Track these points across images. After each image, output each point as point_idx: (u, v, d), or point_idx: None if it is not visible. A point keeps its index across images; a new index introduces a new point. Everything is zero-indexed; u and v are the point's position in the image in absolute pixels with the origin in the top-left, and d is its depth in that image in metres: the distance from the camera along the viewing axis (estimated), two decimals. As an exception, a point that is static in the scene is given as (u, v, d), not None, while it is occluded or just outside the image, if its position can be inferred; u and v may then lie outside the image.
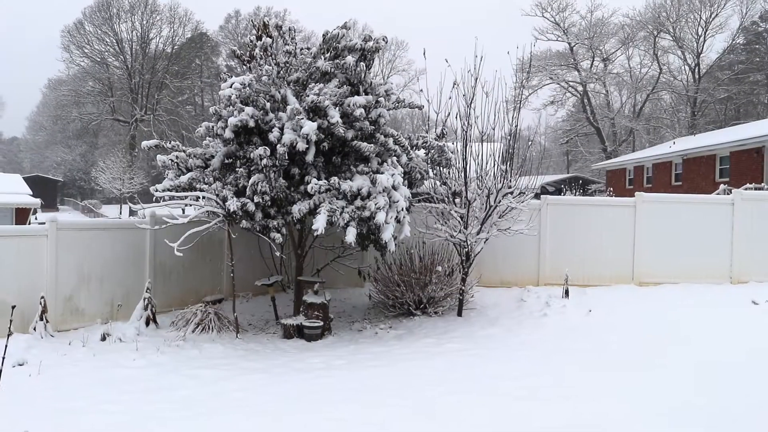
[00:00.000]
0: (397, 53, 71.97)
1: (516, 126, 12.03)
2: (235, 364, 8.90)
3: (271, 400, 7.02)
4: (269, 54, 11.31)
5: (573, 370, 7.95)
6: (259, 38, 11.59)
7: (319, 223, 9.28)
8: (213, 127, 10.41)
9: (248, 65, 11.83)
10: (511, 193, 11.75)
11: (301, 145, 9.65)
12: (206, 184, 10.37)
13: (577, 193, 39.76)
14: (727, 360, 8.13)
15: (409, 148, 11.10)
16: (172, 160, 10.76)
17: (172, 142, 11.20)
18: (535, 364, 8.35)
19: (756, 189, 21.73)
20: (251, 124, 9.90)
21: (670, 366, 8.04)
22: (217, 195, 10.06)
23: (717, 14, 56.56)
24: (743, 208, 13.73)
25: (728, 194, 14.59)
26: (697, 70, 57.89)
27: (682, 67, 59.99)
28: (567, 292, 12.39)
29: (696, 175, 30.88)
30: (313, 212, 9.75)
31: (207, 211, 10.18)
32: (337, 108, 10.02)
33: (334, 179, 9.74)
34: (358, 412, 6.35)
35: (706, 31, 57.15)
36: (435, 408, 6.44)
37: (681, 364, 8.13)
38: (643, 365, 8.15)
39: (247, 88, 10.04)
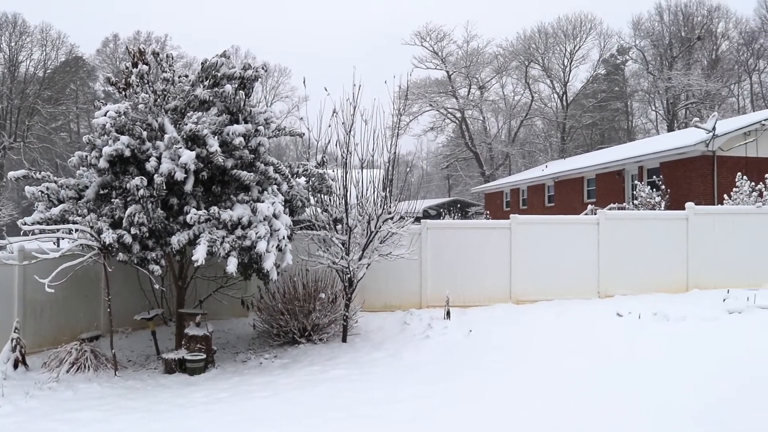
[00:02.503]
0: (281, 80, 71.75)
1: (395, 152, 12.34)
2: (114, 403, 8.49)
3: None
4: (146, 81, 11.10)
5: (455, 392, 8.18)
6: (135, 65, 11.34)
7: (199, 254, 9.13)
8: (87, 156, 10.01)
9: (124, 92, 11.54)
10: (392, 218, 12.01)
11: (179, 175, 9.49)
12: (80, 216, 9.95)
13: (457, 217, 40.86)
14: (601, 369, 8.68)
15: (289, 176, 11.14)
16: (42, 192, 10.26)
17: (43, 172, 10.68)
18: (418, 387, 8.51)
19: (619, 209, 23.20)
20: (127, 153, 9.64)
21: (546, 378, 8.48)
22: (92, 227, 9.67)
23: (579, 47, 60.89)
24: (607, 227, 14.68)
25: (594, 214, 15.51)
26: (564, 98, 61.38)
27: (552, 95, 63.44)
28: (449, 314, 12.75)
29: (567, 196, 32.57)
30: (193, 243, 9.59)
31: (81, 244, 9.77)
32: (216, 137, 9.94)
33: (214, 209, 9.61)
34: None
35: (571, 62, 61.06)
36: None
37: (557, 377, 8.60)
38: (521, 381, 8.55)
39: (123, 116, 9.80)
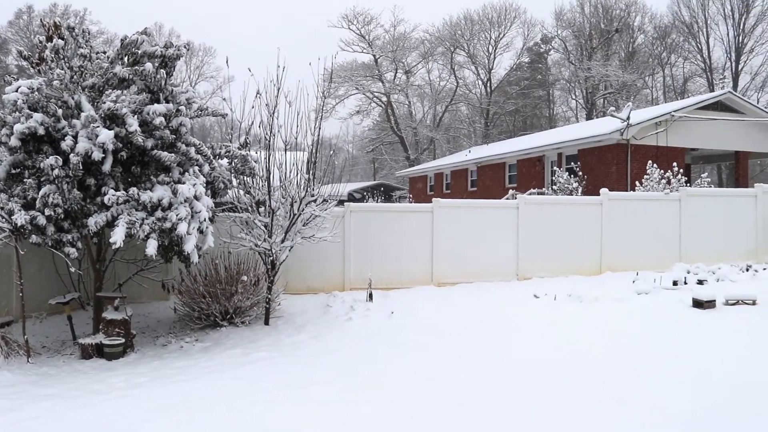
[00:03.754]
0: (205, 59, 70.02)
1: (319, 135, 12.33)
2: (26, 391, 8.16)
3: (63, 427, 6.61)
4: (62, 57, 10.68)
5: (376, 372, 8.33)
6: (50, 39, 10.92)
7: (118, 236, 8.92)
8: (-3, 133, 9.64)
9: (38, 68, 11.11)
10: (315, 201, 12.03)
11: (97, 155, 9.24)
12: (-11, 195, 9.58)
13: (381, 200, 41.11)
14: (518, 347, 9.00)
15: (212, 157, 11.00)
16: (-54, 172, 9.82)
17: (-53, 150, 10.21)
18: (339, 369, 8.61)
19: (539, 194, 23.89)
20: (41, 131, 9.30)
21: (465, 359, 8.74)
22: (2, 208, 9.33)
23: (504, 35, 62.05)
24: (526, 212, 15.13)
25: (515, 199, 15.93)
26: (489, 85, 62.40)
27: (476, 82, 64.39)
28: (371, 296, 12.89)
29: (489, 181, 33.24)
30: (111, 224, 9.34)
31: (-9, 226, 9.41)
32: (136, 116, 9.70)
33: (134, 190, 9.41)
34: (155, 429, 6.18)
35: (496, 49, 62.16)
36: (239, 419, 6.45)
37: (474, 357, 8.87)
38: (441, 361, 8.78)
39: (36, 92, 9.43)
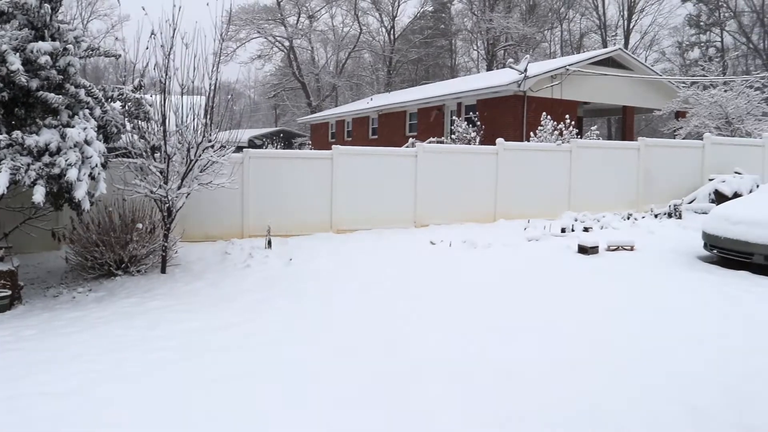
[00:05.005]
0: (98, -5, 66.21)
1: (217, 79, 12.01)
2: None
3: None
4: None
5: (275, 318, 8.39)
6: None
7: (0, 183, 8.48)
8: None
9: None
10: (213, 146, 11.78)
11: (-26, 95, 8.69)
12: None
13: (282, 147, 40.66)
14: (415, 290, 9.31)
15: (104, 100, 10.54)
16: None
17: None
18: (237, 315, 8.60)
19: (438, 143, 24.25)
20: None
21: (363, 302, 8.96)
22: None
23: (409, -18, 61.30)
24: (424, 160, 15.39)
25: (414, 147, 16.14)
26: (392, 32, 62.03)
27: (380, 29, 63.88)
28: (270, 243, 12.87)
29: (390, 130, 33.42)
30: (-7, 170, 8.87)
31: None
32: (18, 54, 9.12)
33: (17, 133, 8.91)
34: (46, 382, 5.98)
35: (401, -4, 61.54)
36: (133, 369, 6.35)
37: (374, 300, 9.13)
38: (339, 305, 8.97)
39: None
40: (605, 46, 50.96)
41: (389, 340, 7.14)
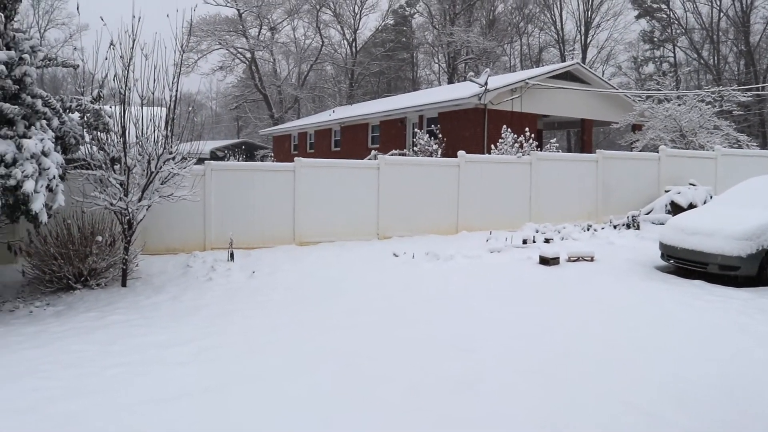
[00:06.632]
0: (56, 4, 65.03)
1: (177, 90, 11.91)
2: None
3: None
4: None
5: (237, 333, 8.29)
6: None
7: (-46, 194, 8.29)
8: None
9: None
10: (174, 158, 11.66)
11: (-73, 105, 8.48)
12: None
13: (244, 159, 40.42)
14: (375, 302, 9.30)
15: (61, 111, 10.37)
16: None
17: None
18: (198, 329, 8.48)
19: (400, 155, 24.38)
20: None
21: (325, 314, 8.92)
22: None
23: (370, -4, 61.60)
24: (387, 172, 15.45)
25: (376, 159, 16.19)
26: (354, 45, 62.26)
27: (342, 41, 64.05)
28: (232, 255, 12.77)
29: (352, 141, 33.47)
30: (-55, 181, 8.66)
31: None
32: (-27, 64, 8.97)
33: (-28, 144, 8.74)
34: (1, 399, 5.84)
35: (362, 9, 61.82)
36: (91, 385, 6.22)
37: (335, 312, 9.08)
38: (302, 317, 8.90)
39: None
40: (563, 60, 51.98)
41: (349, 352, 7.12)
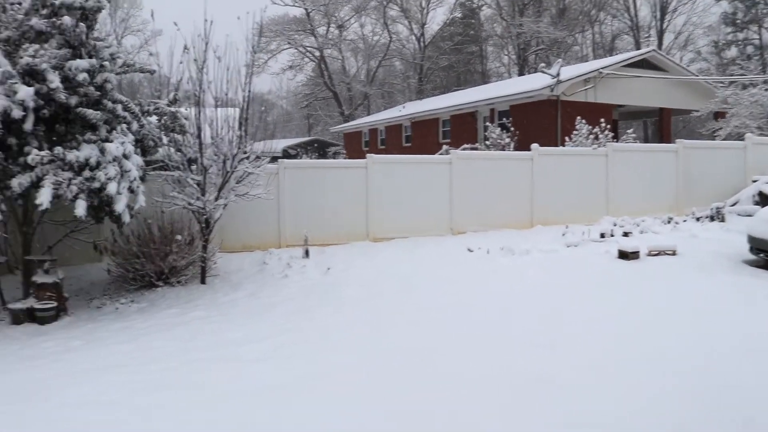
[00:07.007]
0: (131, 12, 67.19)
1: (250, 91, 12.13)
2: (-47, 358, 8.00)
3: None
4: (-30, 8, 10.11)
5: (313, 329, 8.40)
6: (-45, -11, 10.31)
7: (44, 197, 8.65)
8: None
9: (-55, 21, 10.49)
10: (248, 158, 11.90)
11: (17, 113, 8.83)
12: None
13: (315, 156, 40.87)
14: (453, 299, 9.23)
15: (140, 114, 10.71)
16: None
17: None
18: (275, 326, 8.64)
19: (471, 149, 24.12)
20: (-48, 89, 8.85)
21: (402, 311, 8.93)
22: None
23: (438, -12, 61.17)
24: (459, 167, 15.31)
25: (448, 154, 16.08)
26: (422, 40, 62.02)
27: (410, 37, 63.88)
28: (307, 252, 12.93)
29: (423, 137, 33.36)
30: (36, 185, 9.02)
31: None
32: (57, 72, 9.31)
33: (59, 149, 9.08)
34: (89, 394, 6.07)
35: (429, 3, 61.43)
36: (172, 379, 6.44)
37: (408, 309, 9.05)
38: (377, 314, 8.95)
39: (-56, 47, 8.96)
40: (638, 48, 50.30)
41: (422, 348, 7.11)
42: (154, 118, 11.70)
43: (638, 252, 11.85)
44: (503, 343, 7.12)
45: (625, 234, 14.06)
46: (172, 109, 11.63)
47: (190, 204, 11.57)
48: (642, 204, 16.90)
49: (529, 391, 5.51)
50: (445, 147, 26.58)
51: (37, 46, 9.50)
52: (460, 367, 6.29)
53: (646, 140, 46.59)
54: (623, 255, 11.87)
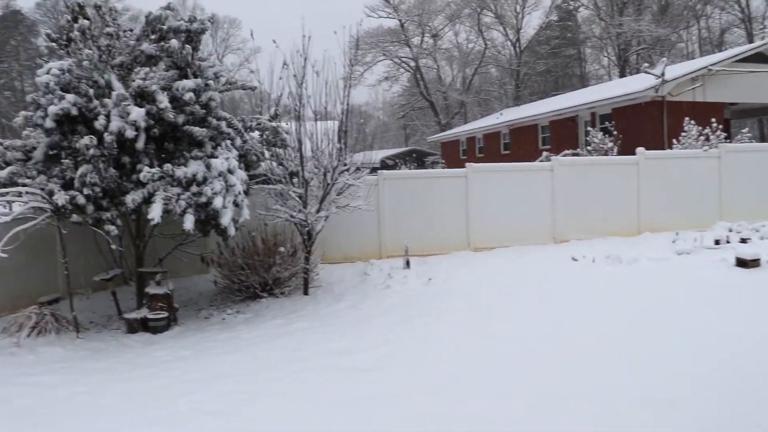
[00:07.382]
0: (231, 31, 70.06)
1: (347, 103, 12.26)
2: (77, 366, 8.36)
3: (114, 400, 6.72)
4: (88, 37, 10.71)
5: (415, 340, 8.34)
6: (75, 20, 10.96)
7: (155, 212, 9.03)
8: (32, 116, 9.73)
9: (66, 49, 11.16)
10: (348, 170, 12.02)
11: (129, 133, 9.30)
12: (29, 177, 9.72)
13: (414, 166, 40.96)
14: (560, 310, 8.97)
15: (243, 130, 11.03)
16: (-14, 154, 9.99)
17: (-14, 135, 10.36)
18: (377, 337, 8.64)
19: (573, 155, 23.53)
20: (74, 112, 9.36)
21: (507, 322, 8.73)
22: (43, 189, 9.48)
23: (532, -8, 60.22)
24: (561, 173, 14.92)
25: (548, 161, 15.72)
26: (518, 45, 61.26)
27: (505, 42, 63.26)
28: (408, 263, 12.91)
29: (522, 144, 32.84)
30: (148, 201, 9.43)
31: (33, 207, 9.55)
32: (166, 92, 9.73)
33: (168, 166, 9.47)
34: (199, 402, 6.25)
35: (524, 8, 60.63)
36: (278, 388, 6.54)
37: (510, 319, 8.84)
38: (482, 325, 8.79)
39: (67, 73, 9.48)
40: (751, 41, 47.70)
41: (528, 362, 6.91)
42: (256, 134, 12.02)
43: (759, 259, 10.99)
44: (616, 360, 6.76)
45: (743, 240, 13.21)
46: (273, 124, 11.92)
47: (292, 216, 11.80)
48: (761, 208, 15.77)
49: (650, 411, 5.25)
50: (545, 153, 26.03)
51: (147, 69, 9.98)
52: (572, 383, 6.08)
53: (762, 139, 44.14)
54: (742, 263, 11.07)
